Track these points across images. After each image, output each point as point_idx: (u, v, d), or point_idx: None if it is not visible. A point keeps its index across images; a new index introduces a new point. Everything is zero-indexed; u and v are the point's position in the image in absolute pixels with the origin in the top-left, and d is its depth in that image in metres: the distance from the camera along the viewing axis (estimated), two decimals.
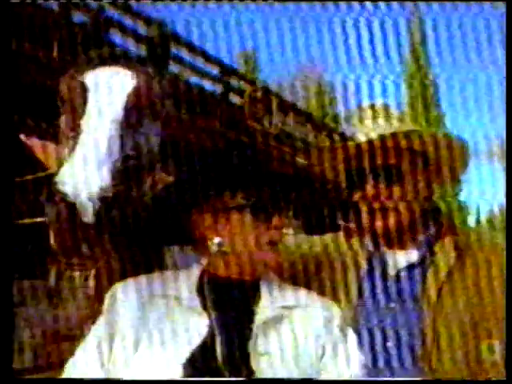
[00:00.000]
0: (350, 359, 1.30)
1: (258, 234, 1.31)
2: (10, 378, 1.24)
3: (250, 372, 1.23)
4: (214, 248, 1.34)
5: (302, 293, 1.38)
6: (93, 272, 1.48)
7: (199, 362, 1.23)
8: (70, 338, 1.45)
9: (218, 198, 1.34)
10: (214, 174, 1.36)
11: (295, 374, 1.24)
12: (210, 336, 1.26)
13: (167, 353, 1.23)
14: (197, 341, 1.25)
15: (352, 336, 1.34)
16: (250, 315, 1.30)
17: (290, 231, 1.46)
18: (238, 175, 1.35)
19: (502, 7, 1.51)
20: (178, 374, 1.21)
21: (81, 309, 1.55)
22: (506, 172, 1.48)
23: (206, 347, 1.25)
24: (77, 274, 1.53)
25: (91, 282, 1.49)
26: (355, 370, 1.29)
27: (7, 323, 1.26)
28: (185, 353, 1.23)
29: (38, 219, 1.43)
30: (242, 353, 1.25)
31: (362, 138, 1.52)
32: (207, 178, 1.35)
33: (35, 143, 1.81)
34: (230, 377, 1.22)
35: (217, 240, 1.33)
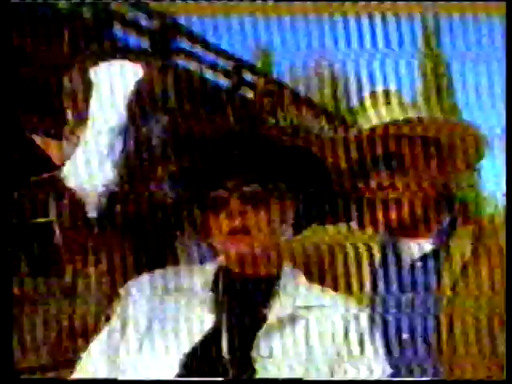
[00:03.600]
0: (371, 368, 1.23)
1: (217, 224, 1.28)
2: (11, 378, 1.24)
3: (254, 373, 1.18)
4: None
5: (323, 292, 1.33)
6: (106, 268, 1.48)
7: (204, 358, 1.20)
8: (84, 335, 1.45)
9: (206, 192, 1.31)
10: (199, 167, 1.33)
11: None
12: (217, 333, 1.23)
13: (172, 347, 1.21)
14: (202, 337, 1.22)
15: (376, 344, 1.27)
16: (263, 313, 1.25)
17: (290, 220, 1.40)
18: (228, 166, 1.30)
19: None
20: (182, 369, 1.19)
21: (96, 306, 1.55)
22: (507, 171, 1.45)
23: (211, 344, 1.22)
24: (91, 270, 1.53)
25: (105, 278, 1.49)
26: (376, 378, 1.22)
27: (7, 323, 1.26)
28: (189, 348, 1.21)
29: (51, 218, 1.43)
30: (248, 352, 1.20)
31: (371, 124, 1.49)
32: (196, 171, 1.33)
33: (45, 141, 1.81)
34: (233, 376, 1.18)
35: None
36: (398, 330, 1.38)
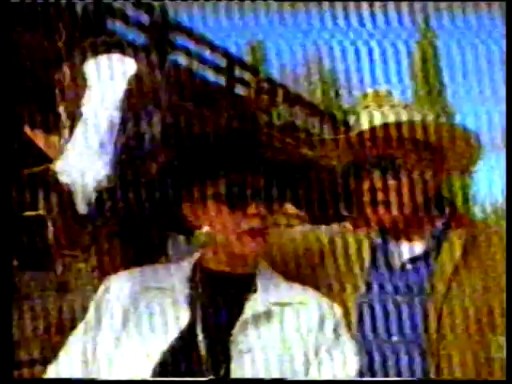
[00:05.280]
0: (341, 366, 1.24)
1: (233, 223, 1.25)
2: (10, 379, 1.23)
3: (230, 370, 1.18)
4: (202, 238, 1.29)
5: (297, 290, 1.33)
6: (96, 263, 1.47)
7: (180, 354, 1.20)
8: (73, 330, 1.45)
9: (201, 186, 1.29)
10: (196, 161, 1.30)
11: (278, 375, 1.19)
12: (192, 330, 1.22)
13: (148, 344, 1.20)
14: (178, 334, 1.21)
15: (347, 342, 1.28)
16: (238, 310, 1.25)
17: (294, 221, 1.43)
18: (220, 162, 1.28)
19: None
20: (156, 367, 1.18)
21: (86, 301, 1.55)
22: (506, 170, 1.45)
23: (187, 341, 1.21)
24: (82, 265, 1.52)
25: (96, 273, 1.49)
26: (346, 377, 1.23)
27: (7, 324, 1.25)
28: (165, 345, 1.20)
29: (41, 211, 1.42)
30: (225, 349, 1.20)
31: (365, 126, 1.49)
32: (190, 166, 1.30)
33: (38, 135, 1.80)
34: (210, 373, 1.17)
35: (204, 229, 1.29)
36: (388, 332, 1.38)
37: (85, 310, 1.46)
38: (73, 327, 1.43)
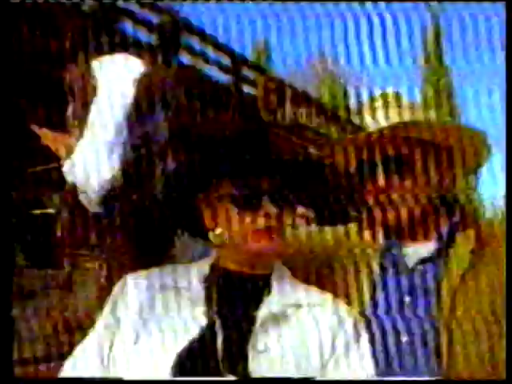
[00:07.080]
0: (357, 369, 1.25)
1: (246, 223, 1.25)
2: (10, 379, 1.23)
3: (248, 369, 1.18)
4: (217, 239, 1.30)
5: (313, 292, 1.33)
6: (104, 262, 1.48)
7: (197, 355, 1.20)
8: (81, 328, 1.45)
9: (214, 187, 1.30)
10: (209, 163, 1.30)
11: (295, 375, 1.19)
12: (210, 330, 1.23)
13: (165, 344, 1.21)
14: (196, 334, 1.22)
15: (362, 345, 1.29)
16: (255, 311, 1.26)
17: (302, 222, 1.43)
18: (230, 163, 1.28)
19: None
20: (174, 366, 1.18)
21: (93, 299, 1.55)
22: (506, 170, 1.44)
23: (204, 341, 1.21)
24: (89, 264, 1.53)
25: (103, 272, 1.49)
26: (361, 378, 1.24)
27: (7, 324, 1.25)
28: (182, 345, 1.20)
29: (50, 210, 1.43)
30: (242, 349, 1.21)
31: (373, 128, 1.49)
32: (203, 167, 1.31)
33: (46, 134, 1.80)
34: (227, 373, 1.18)
35: (218, 231, 1.30)
36: (397, 333, 1.38)
37: (91, 308, 1.47)
38: (78, 325, 1.43)
